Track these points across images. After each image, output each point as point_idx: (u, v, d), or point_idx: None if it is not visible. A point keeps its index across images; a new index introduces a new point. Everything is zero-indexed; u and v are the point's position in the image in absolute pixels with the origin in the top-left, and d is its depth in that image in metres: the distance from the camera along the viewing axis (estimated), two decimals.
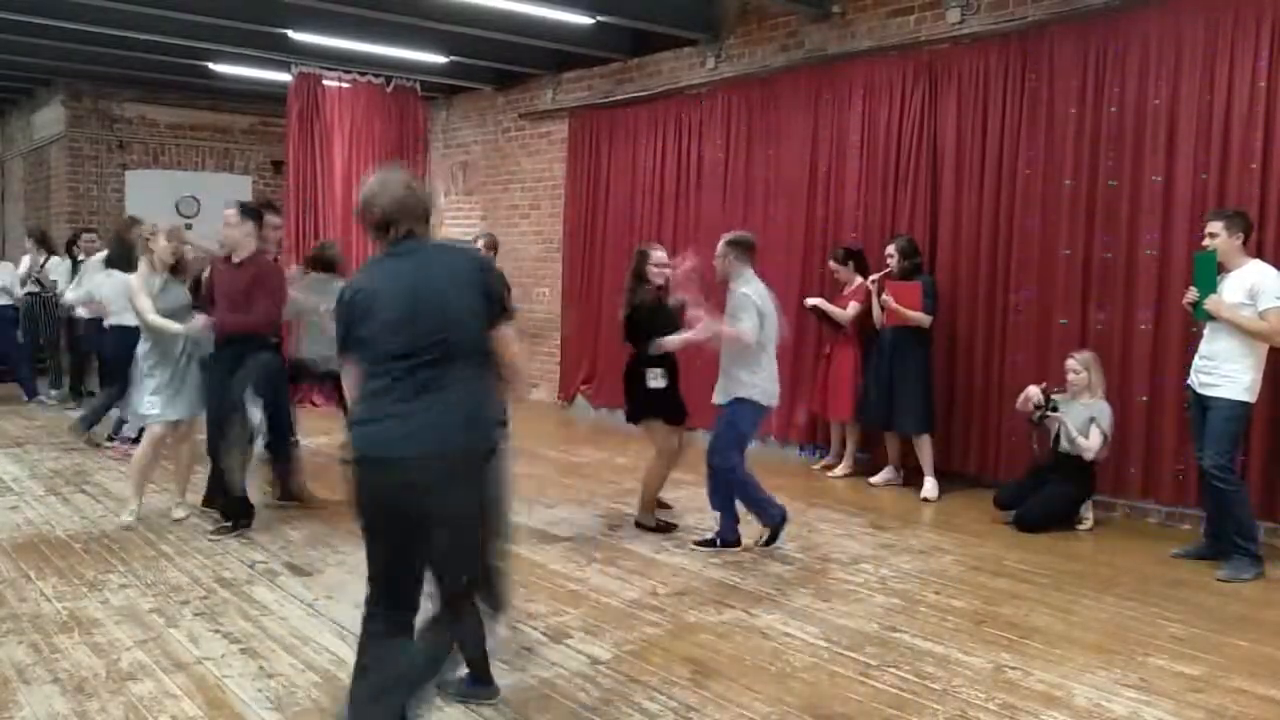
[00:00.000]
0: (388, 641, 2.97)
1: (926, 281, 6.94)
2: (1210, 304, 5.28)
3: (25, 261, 10.50)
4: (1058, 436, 6.15)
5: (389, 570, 2.99)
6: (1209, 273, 5.39)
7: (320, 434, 7.26)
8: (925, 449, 7.01)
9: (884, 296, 6.95)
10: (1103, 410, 6.09)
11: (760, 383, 5.45)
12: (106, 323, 7.73)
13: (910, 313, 6.84)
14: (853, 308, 7.32)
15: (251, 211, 5.82)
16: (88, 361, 10.32)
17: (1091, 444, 6.00)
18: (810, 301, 7.54)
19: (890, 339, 7.02)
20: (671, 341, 5.63)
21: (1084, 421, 6.05)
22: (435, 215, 3.18)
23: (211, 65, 11.11)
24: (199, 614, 4.42)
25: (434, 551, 2.94)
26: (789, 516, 5.61)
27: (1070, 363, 6.18)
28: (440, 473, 2.87)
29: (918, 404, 6.94)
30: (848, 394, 7.40)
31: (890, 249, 7.06)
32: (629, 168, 9.96)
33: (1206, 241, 5.35)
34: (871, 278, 7.21)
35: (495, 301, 3.03)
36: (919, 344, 6.98)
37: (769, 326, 5.46)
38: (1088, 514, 6.22)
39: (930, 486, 6.92)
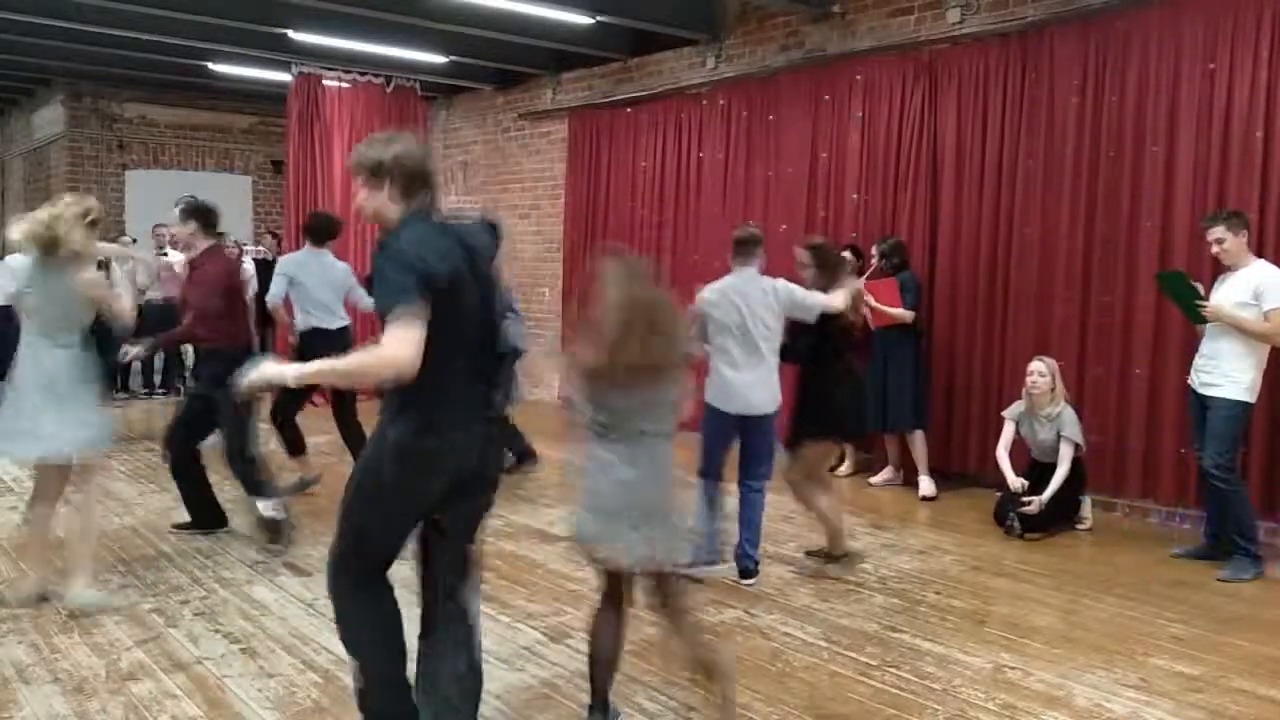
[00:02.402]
0: None
1: (905, 278, 6.95)
2: (1211, 311, 5.28)
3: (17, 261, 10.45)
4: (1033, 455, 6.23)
5: None
6: (1181, 285, 5.46)
7: (320, 433, 7.25)
8: (919, 446, 7.01)
9: (865, 297, 6.97)
10: (1067, 419, 6.03)
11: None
12: None
13: (890, 310, 6.86)
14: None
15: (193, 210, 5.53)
16: None
17: (1063, 469, 5.96)
18: None
19: (882, 339, 7.04)
20: None
21: (1052, 438, 6.04)
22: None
23: (211, 65, 11.12)
24: (199, 614, 4.42)
25: None
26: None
27: (1037, 366, 6.08)
28: None
29: (909, 400, 6.95)
30: None
31: (874, 249, 7.10)
32: (629, 168, 9.96)
33: (1214, 249, 5.34)
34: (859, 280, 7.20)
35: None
36: (908, 341, 7.01)
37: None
38: (1087, 514, 6.22)
39: (926, 484, 6.93)
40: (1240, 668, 4.07)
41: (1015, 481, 6.08)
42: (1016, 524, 5.96)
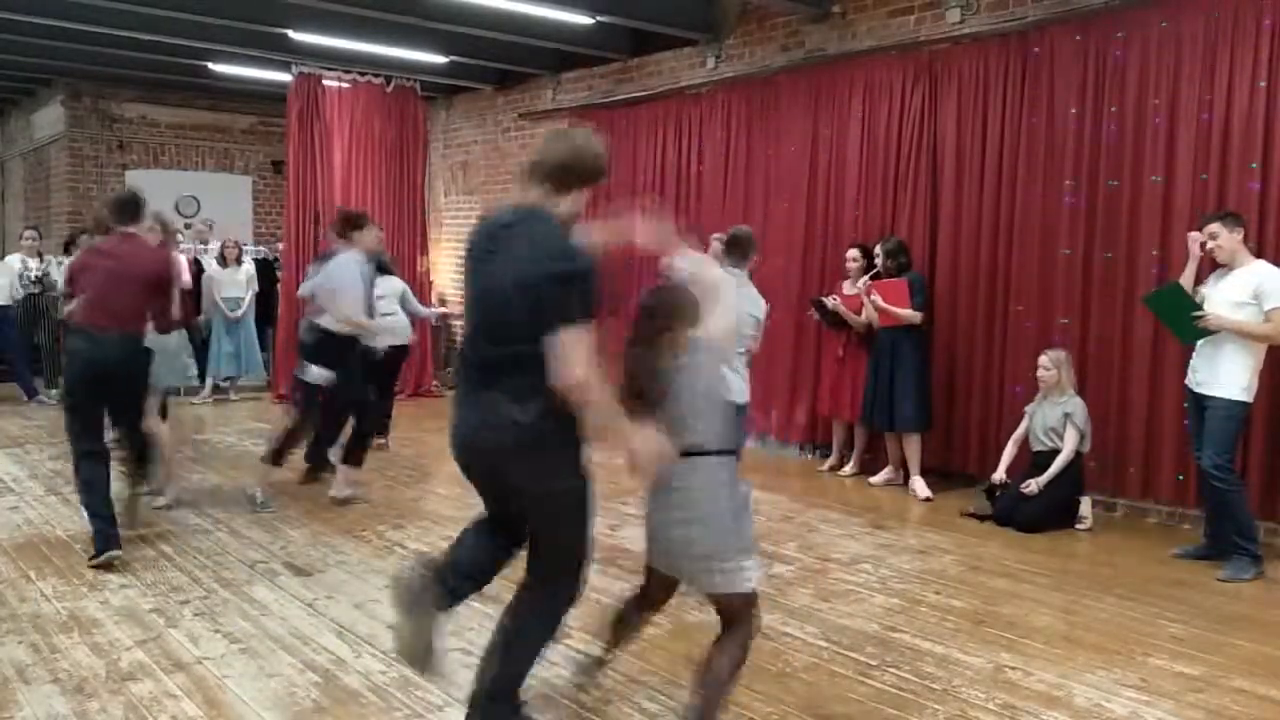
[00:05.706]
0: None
1: (914, 279, 6.94)
2: (1211, 322, 5.25)
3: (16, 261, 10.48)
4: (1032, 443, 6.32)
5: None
6: (1175, 300, 5.41)
7: None
8: (914, 446, 7.01)
9: (872, 296, 6.96)
10: (1077, 406, 6.17)
11: None
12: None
13: (899, 310, 6.85)
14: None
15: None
16: None
17: (1068, 446, 6.08)
18: (830, 303, 7.45)
19: (887, 339, 7.02)
20: None
21: (1059, 418, 6.16)
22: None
23: (211, 65, 11.12)
24: (199, 614, 4.42)
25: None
26: None
27: (1042, 359, 6.27)
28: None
29: (913, 401, 6.94)
30: (860, 395, 7.38)
31: (877, 249, 7.08)
32: (629, 168, 9.94)
33: (1209, 244, 5.34)
34: (861, 280, 7.18)
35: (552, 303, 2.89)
36: (915, 342, 6.99)
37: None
38: (1087, 513, 6.23)
39: (921, 486, 6.92)
40: (1240, 668, 4.07)
41: (999, 475, 6.36)
42: (980, 509, 6.36)
